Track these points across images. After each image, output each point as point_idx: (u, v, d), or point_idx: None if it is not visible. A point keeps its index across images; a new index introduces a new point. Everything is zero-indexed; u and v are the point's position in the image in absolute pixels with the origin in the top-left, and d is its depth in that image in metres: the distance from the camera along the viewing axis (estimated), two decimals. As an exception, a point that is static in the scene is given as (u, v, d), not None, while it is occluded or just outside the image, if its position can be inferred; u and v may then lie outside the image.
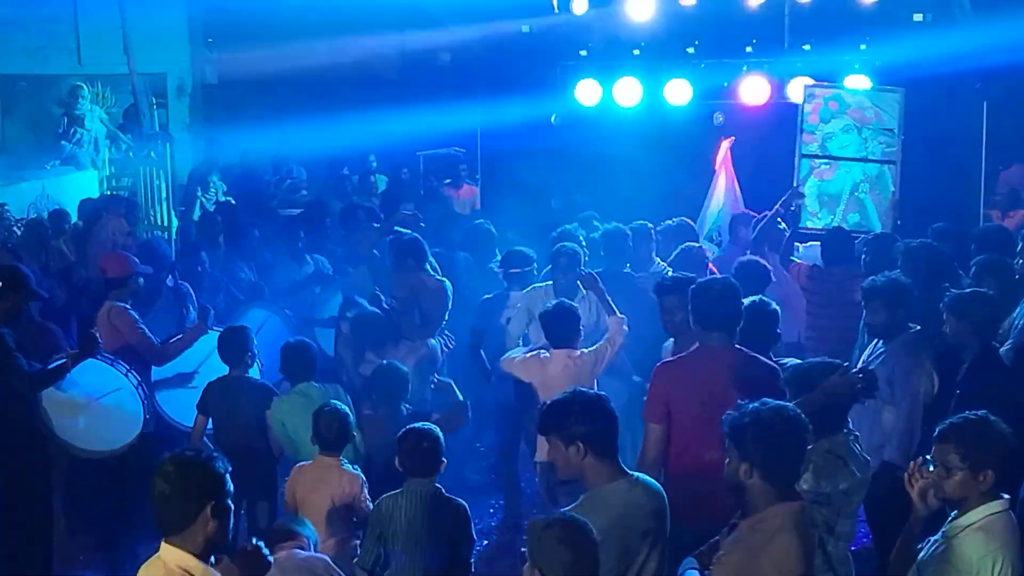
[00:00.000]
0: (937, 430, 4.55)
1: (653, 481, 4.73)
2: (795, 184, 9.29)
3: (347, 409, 6.32)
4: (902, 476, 5.35)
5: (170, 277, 8.51)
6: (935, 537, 4.49)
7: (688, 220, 9.16)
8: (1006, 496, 4.44)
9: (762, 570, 4.15)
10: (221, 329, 7.67)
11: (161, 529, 3.88)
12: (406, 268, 8.25)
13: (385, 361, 7.06)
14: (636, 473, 4.71)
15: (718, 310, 5.73)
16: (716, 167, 10.44)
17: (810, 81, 10.23)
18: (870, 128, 9.44)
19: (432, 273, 8.32)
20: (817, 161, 9.45)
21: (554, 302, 7.23)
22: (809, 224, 9.25)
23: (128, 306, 7.84)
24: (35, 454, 7.02)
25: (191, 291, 8.68)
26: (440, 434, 5.70)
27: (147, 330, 7.81)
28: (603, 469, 4.57)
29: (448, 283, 8.27)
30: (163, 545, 3.86)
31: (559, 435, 4.63)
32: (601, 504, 4.41)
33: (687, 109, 11.38)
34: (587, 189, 10.64)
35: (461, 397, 6.90)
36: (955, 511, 4.46)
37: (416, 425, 5.83)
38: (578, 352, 7.03)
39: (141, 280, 8.04)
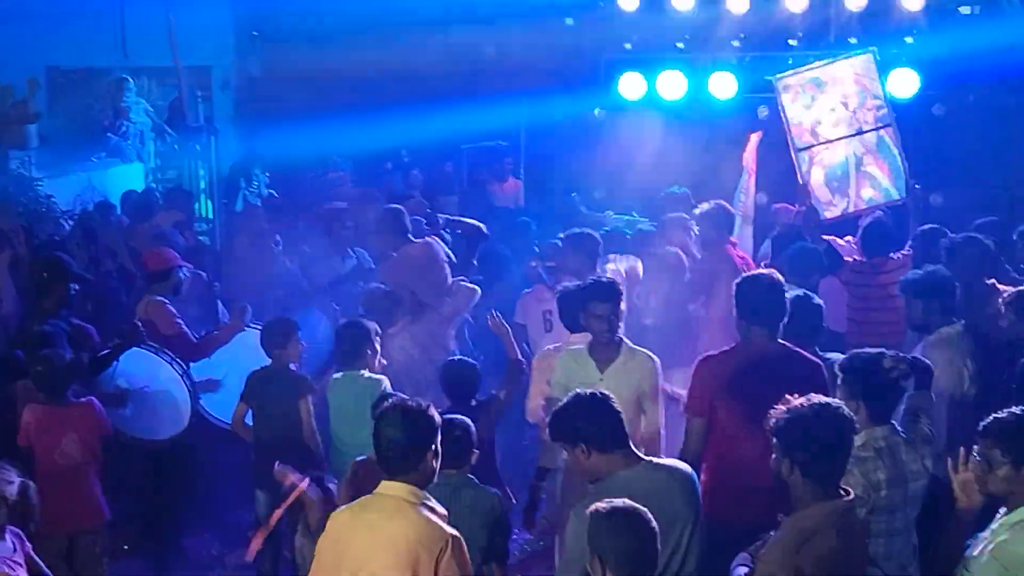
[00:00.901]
0: (981, 425, 4.56)
1: (679, 464, 4.72)
2: (800, 182, 9.18)
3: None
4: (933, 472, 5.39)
5: (183, 269, 8.47)
6: (983, 534, 4.46)
7: (724, 204, 9.02)
8: (1057, 493, 4.40)
9: (800, 569, 4.11)
10: (258, 327, 7.73)
11: (387, 470, 4.55)
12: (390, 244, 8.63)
13: (457, 357, 7.13)
14: (658, 458, 4.71)
15: (762, 304, 5.71)
16: (744, 163, 10.31)
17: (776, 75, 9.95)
18: (855, 98, 9.28)
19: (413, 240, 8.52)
20: (814, 150, 9.31)
21: (573, 284, 7.15)
22: (828, 215, 9.14)
23: (167, 300, 7.89)
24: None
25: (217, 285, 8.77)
26: (471, 424, 5.69)
27: (184, 325, 7.85)
28: (615, 460, 4.64)
29: (434, 242, 8.53)
30: (387, 483, 4.52)
31: (564, 440, 4.70)
32: (616, 489, 4.42)
33: (732, 103, 11.31)
34: (630, 183, 10.60)
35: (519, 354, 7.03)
36: (1004, 508, 4.43)
37: (447, 415, 5.85)
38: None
39: (182, 275, 8.10)
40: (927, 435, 5.14)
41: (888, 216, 9.19)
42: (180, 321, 7.86)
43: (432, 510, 4.53)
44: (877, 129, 9.25)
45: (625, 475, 4.56)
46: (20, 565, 5.55)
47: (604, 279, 6.55)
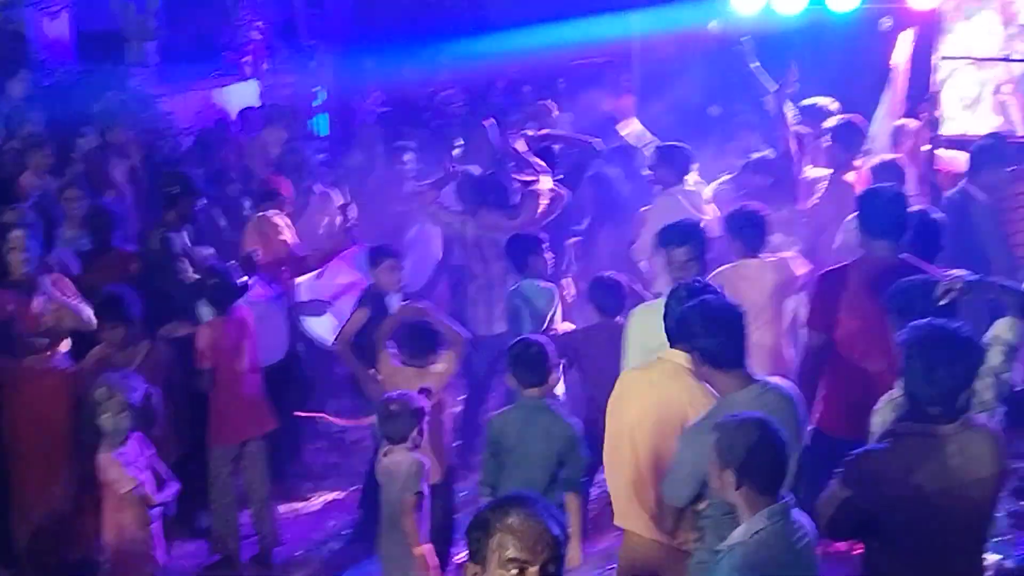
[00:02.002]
0: None
1: (786, 387, 4.63)
2: (933, 88, 8.86)
3: None
4: None
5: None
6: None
7: (855, 119, 8.65)
8: None
9: (920, 488, 4.02)
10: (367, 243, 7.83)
11: (670, 339, 4.91)
12: None
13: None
14: (769, 379, 4.62)
15: (885, 217, 5.59)
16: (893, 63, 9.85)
17: None
18: (1016, 24, 8.90)
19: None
20: (958, 62, 8.97)
21: (744, 206, 6.89)
22: (948, 130, 8.83)
23: (276, 213, 7.98)
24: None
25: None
26: (548, 344, 5.67)
27: (292, 240, 7.93)
28: (728, 379, 4.53)
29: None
30: (670, 350, 4.89)
31: (682, 344, 4.63)
32: (731, 411, 4.32)
33: (851, 15, 10.91)
34: (746, 98, 10.35)
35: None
36: None
37: (525, 336, 5.84)
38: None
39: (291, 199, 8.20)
40: (993, 366, 4.79)
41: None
42: (288, 236, 7.93)
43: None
44: None
45: (738, 398, 4.47)
46: (144, 469, 5.73)
47: (684, 220, 6.00)
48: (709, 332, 4.48)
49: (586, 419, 6.06)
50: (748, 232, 6.59)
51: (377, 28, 15.25)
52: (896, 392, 4.69)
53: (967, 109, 9.01)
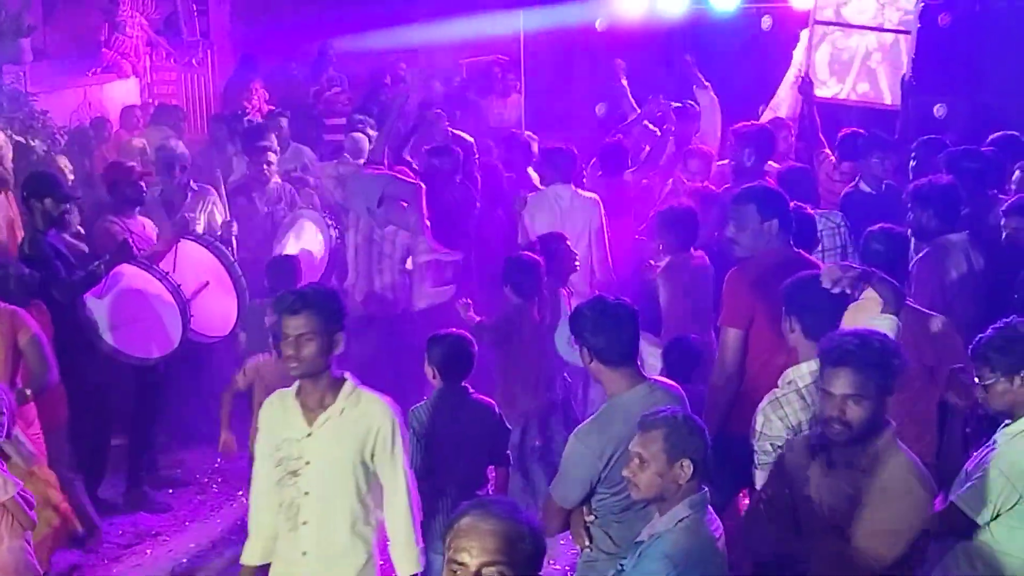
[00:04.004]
0: (970, 349, 4.61)
1: (672, 386, 4.65)
2: (806, 49, 9.10)
3: None
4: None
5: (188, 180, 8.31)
6: (988, 443, 4.47)
7: (764, 125, 8.62)
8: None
9: None
10: (197, 238, 7.78)
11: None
12: None
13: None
14: (656, 378, 4.65)
15: (780, 213, 5.67)
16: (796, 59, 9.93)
17: None
18: None
19: None
20: (831, 28, 9.23)
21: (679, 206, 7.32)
22: (818, 93, 9.02)
23: (114, 219, 7.80)
24: (90, 361, 7.17)
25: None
26: (471, 341, 5.84)
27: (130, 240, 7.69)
28: (617, 377, 4.54)
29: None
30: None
31: (575, 339, 4.64)
32: (620, 412, 4.38)
33: (733, 15, 11.07)
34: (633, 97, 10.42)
35: None
36: (1008, 420, 4.45)
37: (449, 331, 5.93)
38: None
39: (140, 186, 8.00)
40: None
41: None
42: (126, 237, 7.69)
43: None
44: (897, 32, 9.15)
45: (626, 398, 4.48)
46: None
47: (297, 290, 4.66)
48: (597, 329, 4.50)
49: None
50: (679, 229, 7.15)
51: (262, 24, 15.05)
52: (779, 391, 4.80)
53: (836, 74, 9.24)
